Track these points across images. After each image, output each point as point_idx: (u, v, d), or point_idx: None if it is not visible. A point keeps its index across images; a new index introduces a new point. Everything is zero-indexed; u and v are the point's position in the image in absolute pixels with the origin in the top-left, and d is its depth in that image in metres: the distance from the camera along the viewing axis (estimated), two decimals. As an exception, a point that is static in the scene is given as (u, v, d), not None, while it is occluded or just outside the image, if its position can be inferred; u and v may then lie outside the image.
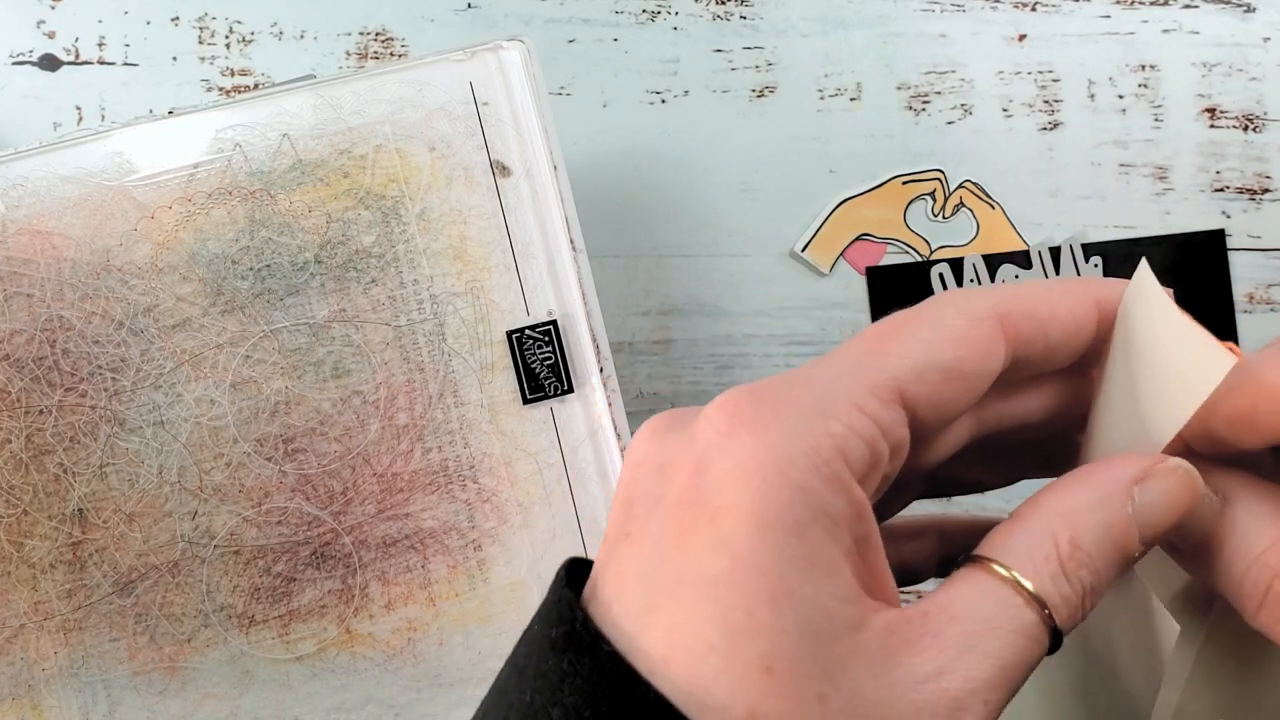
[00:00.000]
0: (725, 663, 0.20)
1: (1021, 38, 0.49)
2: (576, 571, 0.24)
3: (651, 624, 0.21)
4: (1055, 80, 0.49)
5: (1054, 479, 0.24)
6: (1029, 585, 0.22)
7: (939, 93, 0.49)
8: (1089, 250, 0.48)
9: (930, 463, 0.27)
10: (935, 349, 0.23)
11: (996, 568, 0.23)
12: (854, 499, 0.22)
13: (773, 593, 0.20)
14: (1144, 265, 0.26)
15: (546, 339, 0.37)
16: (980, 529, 0.26)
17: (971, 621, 0.22)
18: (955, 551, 0.29)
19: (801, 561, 0.21)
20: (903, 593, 0.25)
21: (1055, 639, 0.22)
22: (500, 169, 0.37)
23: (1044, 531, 0.23)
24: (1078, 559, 0.22)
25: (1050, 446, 0.28)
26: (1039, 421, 0.27)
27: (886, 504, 0.28)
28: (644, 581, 0.22)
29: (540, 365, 0.37)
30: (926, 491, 0.28)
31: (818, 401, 0.22)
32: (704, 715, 0.20)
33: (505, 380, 0.37)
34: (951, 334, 0.24)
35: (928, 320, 0.24)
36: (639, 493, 0.23)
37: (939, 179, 0.48)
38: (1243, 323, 0.48)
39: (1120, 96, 0.49)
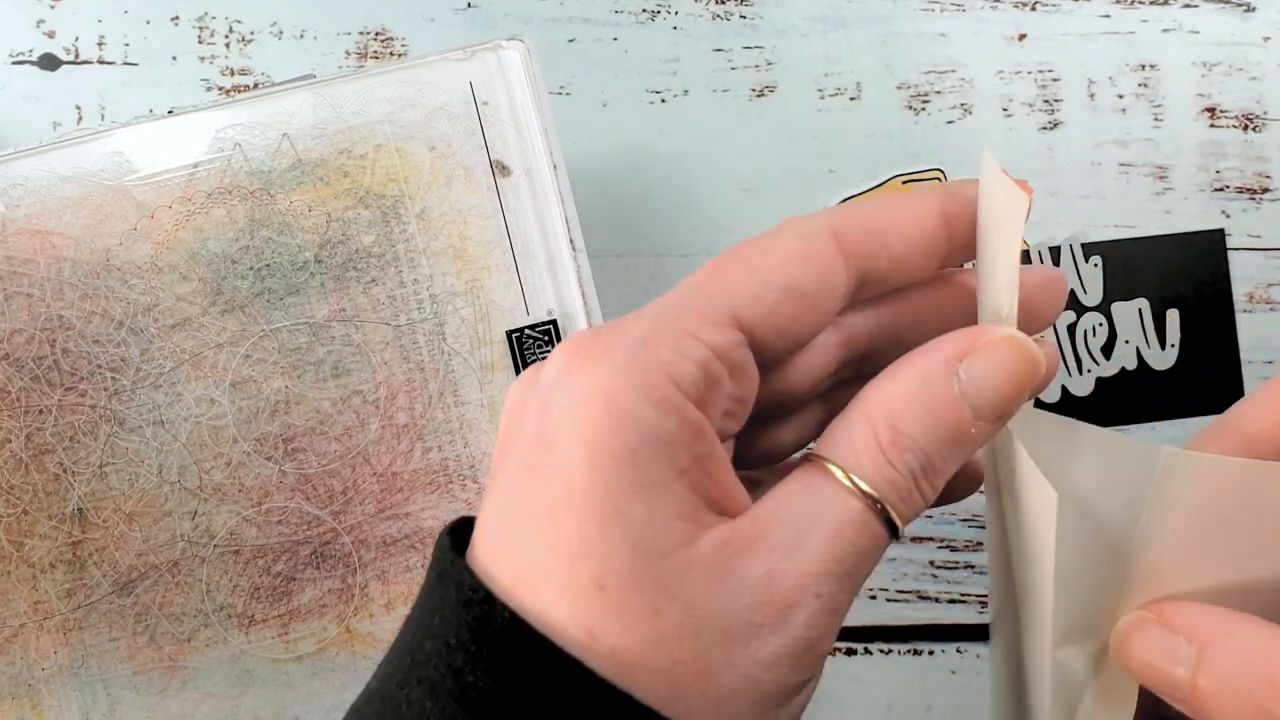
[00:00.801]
0: (562, 585, 0.21)
1: (1021, 37, 0.49)
2: (461, 527, 0.25)
3: (503, 556, 0.22)
4: (1055, 80, 0.49)
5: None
6: (851, 476, 0.23)
7: (939, 92, 0.49)
8: (1089, 249, 0.48)
9: (805, 385, 0.26)
10: (769, 271, 0.24)
11: (825, 464, 0.23)
12: (688, 419, 0.22)
13: (603, 514, 0.21)
14: (987, 154, 0.26)
15: (546, 339, 0.37)
16: None
17: (797, 520, 0.22)
18: None
19: (630, 484, 0.21)
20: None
21: (892, 527, 0.23)
22: (500, 168, 0.37)
23: (864, 421, 0.23)
24: (900, 444, 0.23)
25: None
26: (915, 335, 0.26)
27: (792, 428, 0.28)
28: (499, 518, 0.23)
29: (540, 365, 0.37)
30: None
31: (648, 333, 0.23)
32: (553, 634, 0.21)
33: (505, 380, 0.37)
34: (785, 255, 0.24)
35: (762, 246, 0.24)
36: (505, 440, 0.24)
37: (939, 178, 0.48)
38: (1242, 322, 0.49)
39: (1120, 96, 0.49)
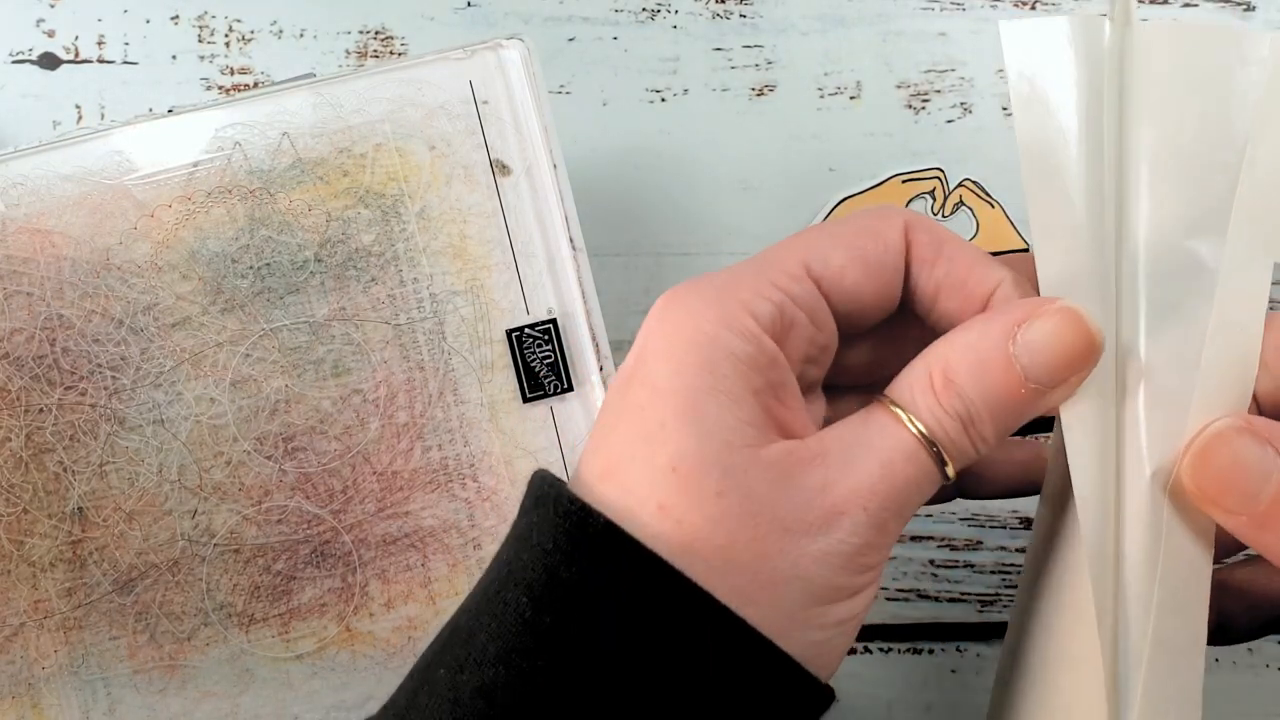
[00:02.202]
0: (643, 466, 0.25)
1: (1021, 36, 0.49)
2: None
3: (599, 455, 0.26)
4: (1055, 79, 0.49)
5: None
6: (906, 412, 0.26)
7: (939, 91, 0.49)
8: (1089, 249, 0.48)
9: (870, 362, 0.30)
10: (840, 238, 0.28)
11: (885, 402, 0.26)
12: (764, 348, 0.26)
13: (681, 409, 0.25)
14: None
15: (546, 338, 0.37)
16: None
17: (855, 444, 0.26)
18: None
19: (708, 388, 0.25)
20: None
21: (941, 465, 0.26)
22: (500, 167, 0.37)
23: (923, 367, 0.26)
24: (950, 390, 0.25)
25: None
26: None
27: None
28: (598, 431, 0.27)
29: (540, 364, 0.37)
30: None
31: (732, 280, 0.27)
32: (629, 515, 0.25)
33: (505, 379, 0.37)
34: (857, 227, 0.28)
35: (840, 219, 0.29)
36: (613, 385, 0.28)
37: (939, 177, 0.48)
38: (1242, 321, 0.48)
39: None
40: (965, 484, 0.32)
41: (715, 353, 0.25)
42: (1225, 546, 0.28)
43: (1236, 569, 0.31)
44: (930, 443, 0.26)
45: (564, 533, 0.25)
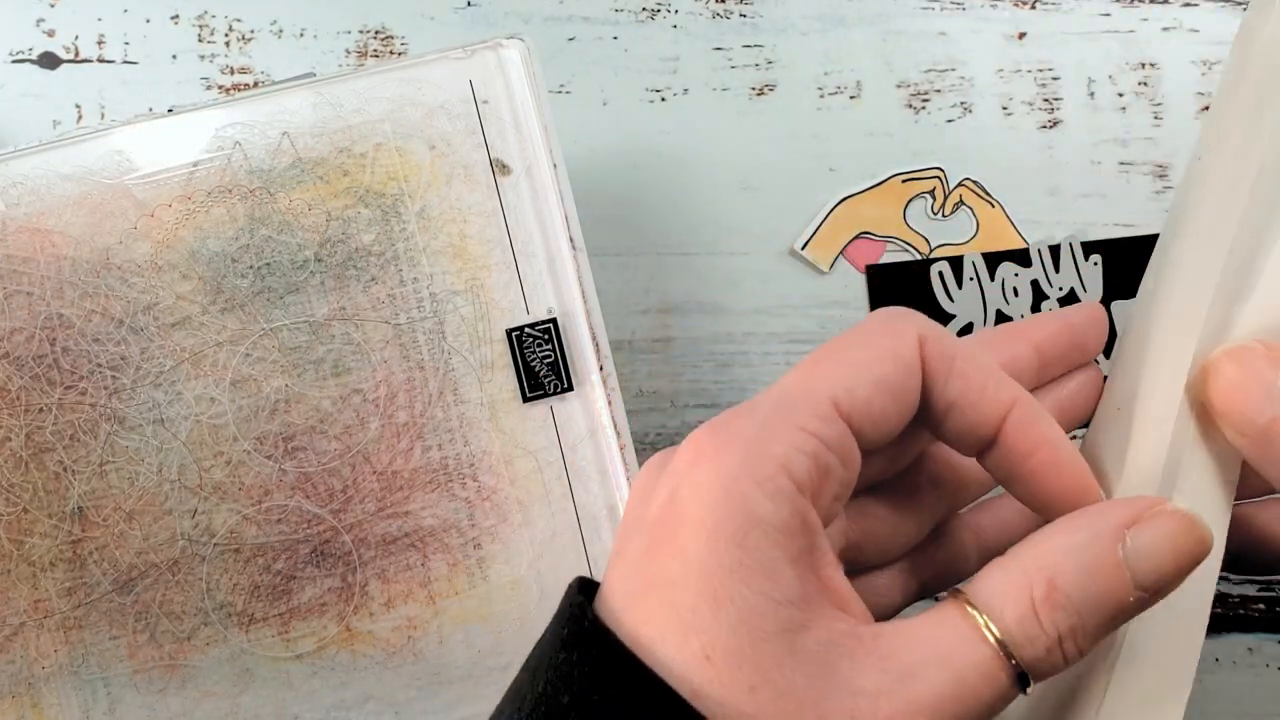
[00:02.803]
0: (676, 651, 0.23)
1: (1021, 36, 0.49)
2: (585, 586, 0.26)
3: (625, 620, 0.24)
4: (1055, 78, 0.49)
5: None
6: (990, 624, 0.23)
7: (939, 91, 0.49)
8: (1088, 248, 0.48)
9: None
10: (863, 366, 0.26)
11: (966, 605, 0.24)
12: (798, 509, 0.24)
13: (714, 593, 0.23)
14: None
15: (546, 337, 0.37)
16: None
17: (922, 649, 0.23)
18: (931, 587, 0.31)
19: (740, 565, 0.23)
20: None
21: (1022, 679, 0.23)
22: (500, 167, 0.37)
23: (1022, 571, 0.24)
24: (1054, 600, 0.23)
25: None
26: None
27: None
28: (625, 587, 0.25)
29: (540, 363, 0.37)
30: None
31: (763, 429, 0.25)
32: (666, 676, 0.23)
33: (505, 378, 0.37)
34: (876, 350, 0.26)
35: (857, 341, 0.27)
36: (630, 518, 0.26)
37: (939, 177, 0.48)
38: (1242, 321, 0.48)
39: (1120, 94, 0.49)
40: None
41: (746, 520, 0.24)
42: (1254, 488, 0.27)
43: (1263, 507, 0.29)
44: (1012, 660, 0.23)
45: (617, 685, 0.23)
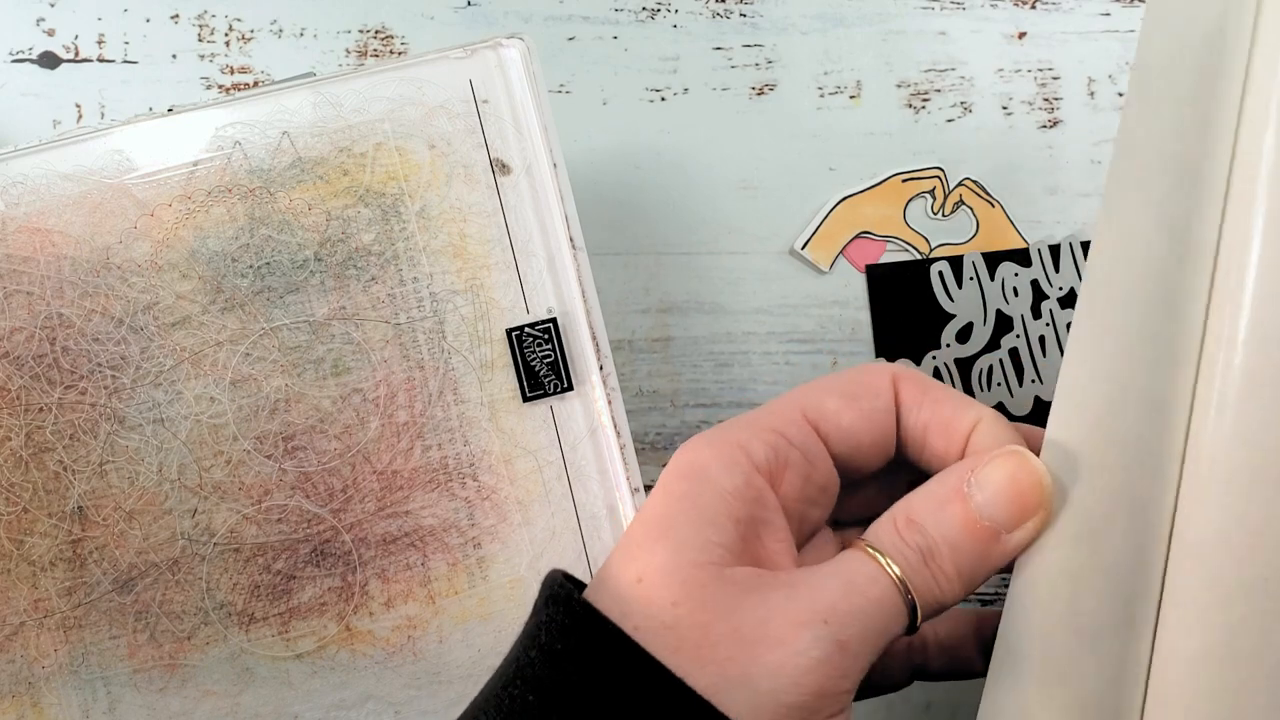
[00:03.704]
0: (614, 581, 0.27)
1: (1021, 35, 0.49)
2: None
3: (594, 575, 0.29)
4: (1055, 78, 0.49)
5: None
6: (869, 545, 0.28)
7: (939, 90, 0.49)
8: (1088, 248, 0.48)
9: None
10: (833, 388, 0.30)
11: (858, 543, 0.29)
12: (752, 482, 0.28)
13: (658, 532, 0.28)
14: None
15: (546, 337, 0.37)
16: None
17: (822, 570, 0.28)
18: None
19: (686, 512, 0.28)
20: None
21: (905, 595, 0.28)
22: (500, 167, 0.37)
23: (888, 514, 0.29)
24: (911, 527, 0.28)
25: None
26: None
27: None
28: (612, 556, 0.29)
29: (540, 363, 0.37)
30: None
31: (734, 425, 0.29)
32: (608, 615, 0.26)
33: (505, 378, 0.37)
34: (848, 378, 0.31)
35: (835, 375, 0.31)
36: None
37: (939, 177, 0.48)
38: (1242, 320, 0.48)
39: (1120, 94, 0.49)
40: (915, 655, 0.34)
41: (700, 483, 0.28)
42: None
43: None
44: (889, 564, 0.28)
45: (558, 627, 0.27)
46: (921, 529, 0.28)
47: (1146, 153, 0.30)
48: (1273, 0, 0.29)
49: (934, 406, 0.30)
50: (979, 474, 0.28)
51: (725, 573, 0.27)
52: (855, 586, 0.27)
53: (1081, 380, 0.29)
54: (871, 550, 0.28)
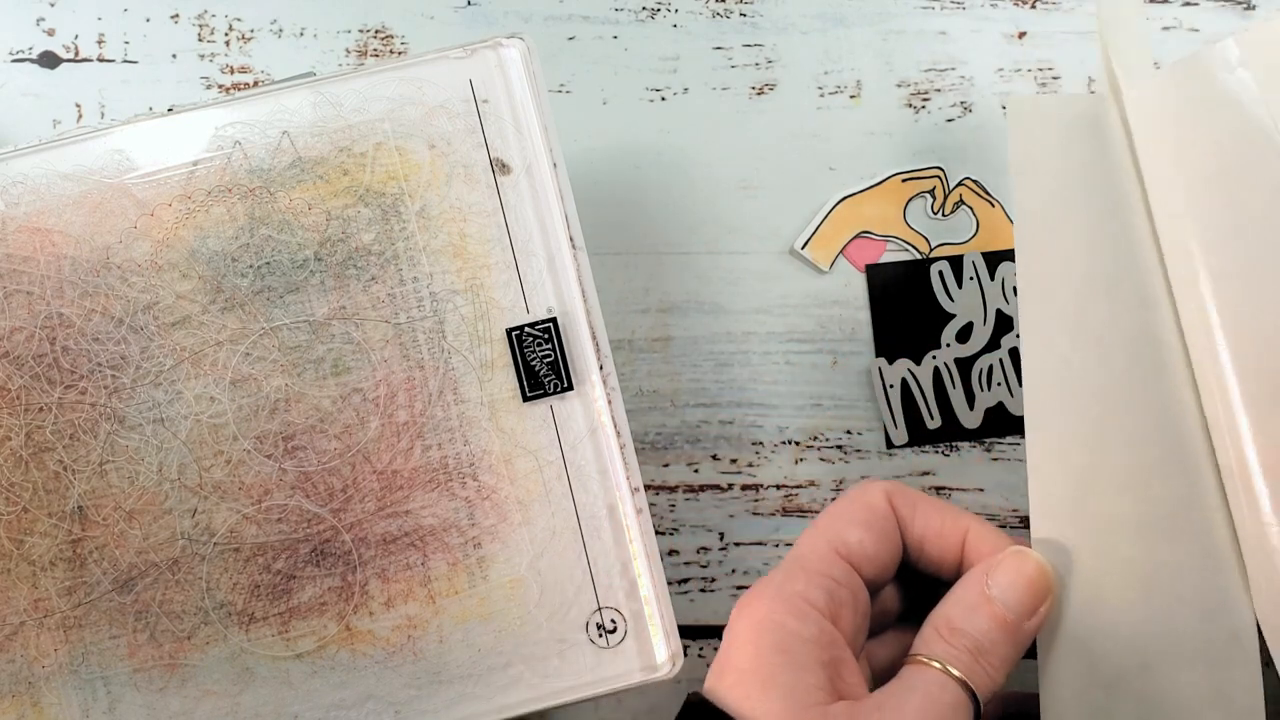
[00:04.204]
0: (743, 711, 0.32)
1: (1021, 35, 0.49)
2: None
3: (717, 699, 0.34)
4: (1055, 78, 0.49)
5: None
6: (929, 658, 0.33)
7: (939, 90, 0.49)
8: (1089, 248, 0.48)
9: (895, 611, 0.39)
10: (850, 520, 0.36)
11: (915, 658, 0.34)
12: (824, 628, 0.33)
13: (764, 681, 0.32)
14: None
15: (546, 336, 0.37)
16: None
17: (901, 692, 0.33)
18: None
19: (783, 664, 0.32)
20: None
21: (970, 693, 0.33)
22: (500, 166, 0.37)
23: (931, 627, 0.34)
24: (955, 632, 0.34)
25: None
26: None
27: None
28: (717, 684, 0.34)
29: (540, 363, 0.37)
30: None
31: (789, 578, 0.35)
32: None
33: (505, 378, 0.37)
34: (856, 506, 0.36)
35: (840, 507, 0.37)
36: (710, 672, 0.35)
37: (939, 176, 0.48)
38: (1242, 320, 0.48)
39: (1120, 94, 0.49)
40: None
41: (784, 636, 0.33)
42: None
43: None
44: (952, 673, 0.33)
45: None
46: (964, 633, 0.33)
47: (1050, 269, 0.36)
48: (1139, 121, 0.35)
49: (925, 519, 0.36)
50: (993, 577, 0.34)
51: (828, 711, 0.31)
52: (931, 696, 0.32)
53: (1048, 478, 0.36)
54: (930, 661, 0.33)
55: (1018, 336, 0.48)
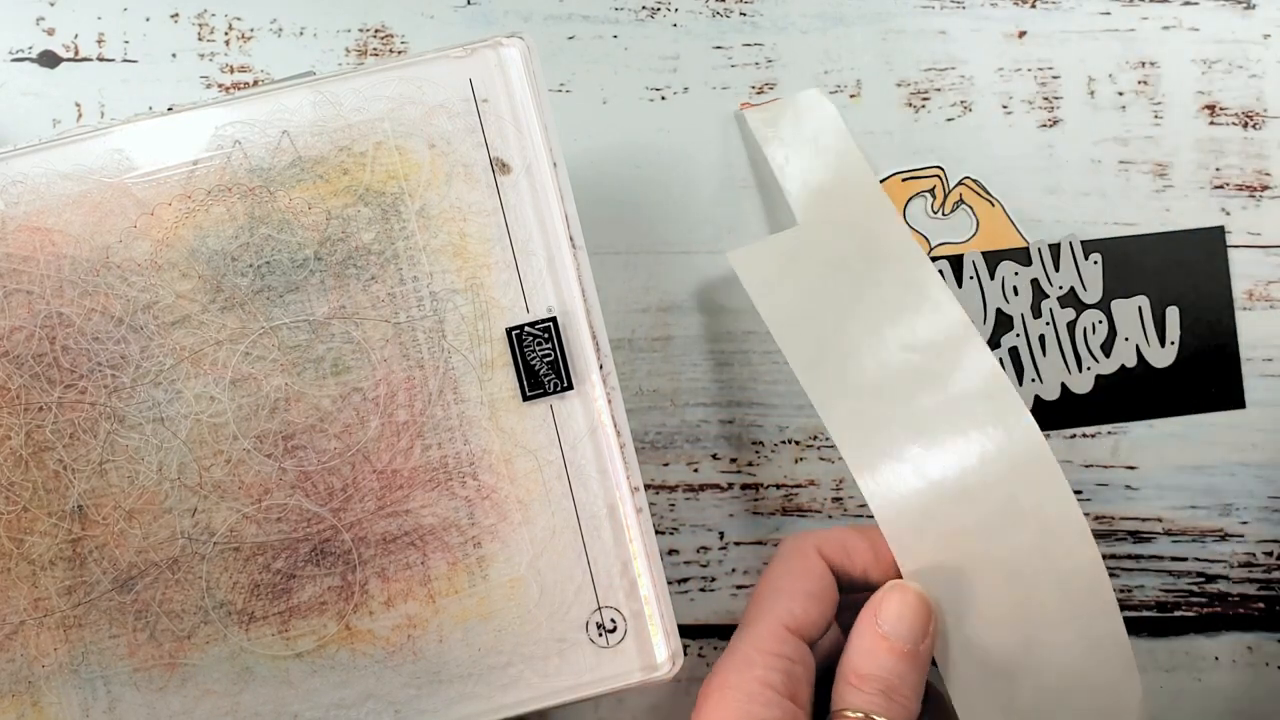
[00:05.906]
0: None
1: (1021, 34, 0.49)
2: None
3: None
4: (1055, 77, 0.49)
5: None
6: (849, 712, 0.36)
7: (939, 89, 0.49)
8: (1088, 247, 0.48)
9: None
10: (790, 593, 0.38)
11: (839, 714, 0.37)
12: (785, 709, 0.36)
13: None
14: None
15: (546, 336, 0.37)
16: None
17: None
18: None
19: None
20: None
21: None
22: (500, 166, 0.37)
23: (843, 679, 0.37)
24: (864, 678, 0.37)
25: None
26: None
27: None
28: None
29: (540, 362, 0.37)
30: None
31: (745, 661, 0.37)
32: None
33: (505, 377, 0.37)
34: (794, 573, 0.39)
35: (779, 571, 0.39)
36: None
37: (938, 176, 0.48)
38: (1242, 320, 0.49)
39: (1120, 93, 0.49)
40: None
41: None
42: None
43: None
44: (875, 719, 0.36)
45: None
46: (873, 676, 0.36)
47: (813, 349, 0.42)
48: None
49: (859, 555, 0.39)
50: (881, 615, 0.37)
51: None
52: None
53: (891, 520, 0.39)
54: (854, 713, 0.36)
55: (1017, 336, 0.48)
